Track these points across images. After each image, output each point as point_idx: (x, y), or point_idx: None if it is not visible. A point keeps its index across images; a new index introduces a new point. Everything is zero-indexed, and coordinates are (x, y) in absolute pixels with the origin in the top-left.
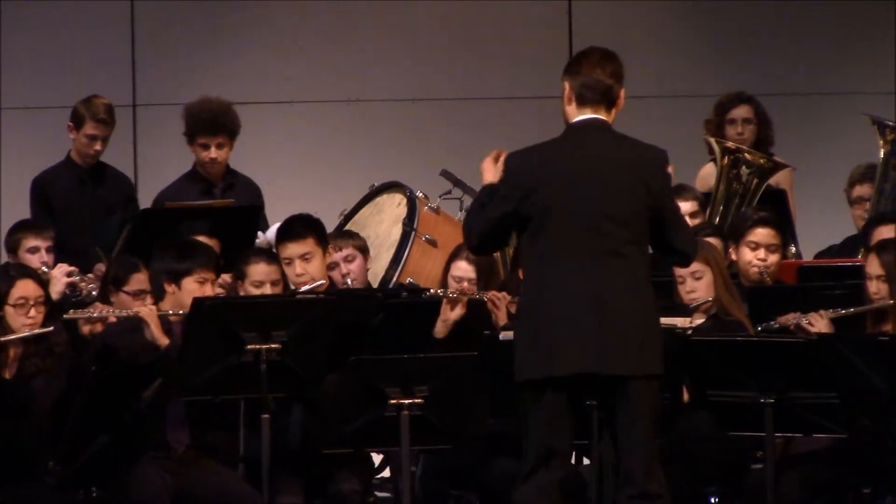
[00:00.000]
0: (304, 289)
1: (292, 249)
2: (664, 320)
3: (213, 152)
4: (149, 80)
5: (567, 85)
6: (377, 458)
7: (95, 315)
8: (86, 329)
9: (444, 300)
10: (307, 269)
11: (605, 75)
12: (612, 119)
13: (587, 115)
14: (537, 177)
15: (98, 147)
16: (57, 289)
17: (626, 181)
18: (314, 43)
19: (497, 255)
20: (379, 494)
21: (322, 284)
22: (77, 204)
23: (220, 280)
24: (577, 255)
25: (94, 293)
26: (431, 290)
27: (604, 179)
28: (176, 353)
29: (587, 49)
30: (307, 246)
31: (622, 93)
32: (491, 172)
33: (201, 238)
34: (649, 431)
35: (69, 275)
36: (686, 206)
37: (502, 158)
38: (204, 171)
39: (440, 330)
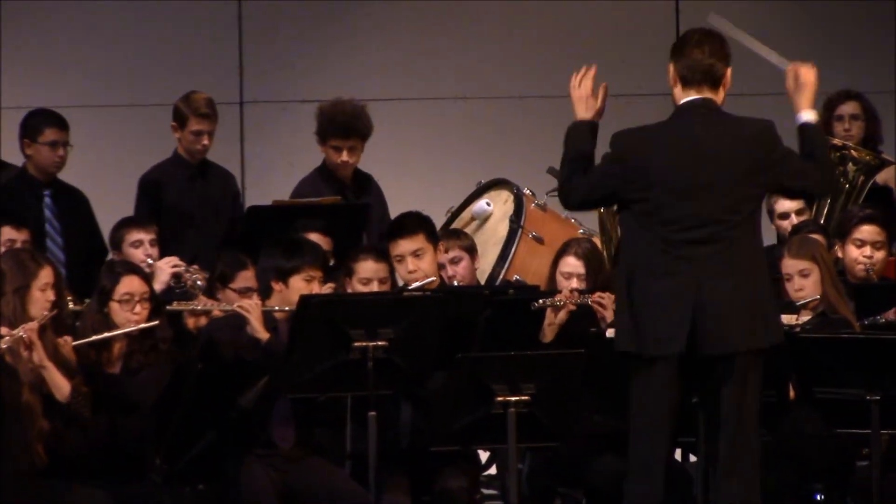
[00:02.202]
0: (414, 286)
1: (403, 246)
2: None
3: (345, 155)
4: (256, 77)
5: (671, 68)
6: (484, 456)
7: (199, 308)
8: (190, 323)
9: (550, 308)
10: (419, 266)
11: (705, 55)
12: (721, 98)
13: (692, 96)
14: (642, 158)
15: (205, 142)
16: (162, 279)
17: (732, 161)
18: (421, 41)
19: (603, 249)
20: (485, 492)
21: (433, 281)
22: (187, 201)
23: (327, 286)
24: (680, 237)
25: (199, 283)
26: (539, 302)
27: (709, 161)
28: (282, 350)
29: (688, 31)
30: (418, 242)
31: (728, 71)
32: (582, 104)
33: (314, 235)
34: (750, 412)
35: (174, 266)
36: (792, 204)
37: (590, 76)
38: (334, 171)
39: (547, 334)
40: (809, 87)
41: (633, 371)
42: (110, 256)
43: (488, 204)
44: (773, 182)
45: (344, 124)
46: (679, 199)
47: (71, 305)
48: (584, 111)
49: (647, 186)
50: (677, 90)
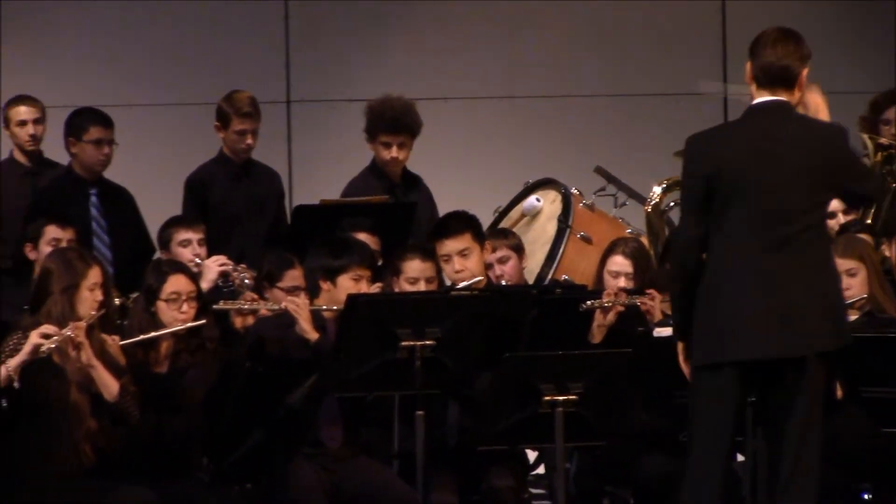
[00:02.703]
0: (461, 285)
1: (450, 246)
2: None
3: (395, 151)
4: (303, 76)
5: (748, 66)
6: (531, 455)
7: (246, 307)
8: (238, 322)
9: (598, 310)
10: (466, 266)
11: (778, 56)
12: (797, 98)
13: (765, 97)
14: (716, 161)
15: (249, 141)
16: (210, 277)
17: (803, 164)
18: (468, 40)
19: (650, 248)
20: (533, 491)
21: (480, 281)
22: (232, 200)
23: (375, 285)
24: (753, 241)
25: (246, 282)
26: (587, 304)
27: (780, 163)
28: (329, 349)
29: (765, 30)
30: (465, 242)
31: (804, 72)
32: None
33: (362, 235)
34: (815, 416)
35: (222, 265)
36: (839, 203)
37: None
38: (384, 169)
39: (596, 336)
40: (822, 109)
41: (698, 375)
42: (157, 255)
43: (538, 200)
44: (838, 186)
45: (393, 120)
46: (750, 201)
47: (117, 301)
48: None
49: (718, 189)
50: (753, 89)
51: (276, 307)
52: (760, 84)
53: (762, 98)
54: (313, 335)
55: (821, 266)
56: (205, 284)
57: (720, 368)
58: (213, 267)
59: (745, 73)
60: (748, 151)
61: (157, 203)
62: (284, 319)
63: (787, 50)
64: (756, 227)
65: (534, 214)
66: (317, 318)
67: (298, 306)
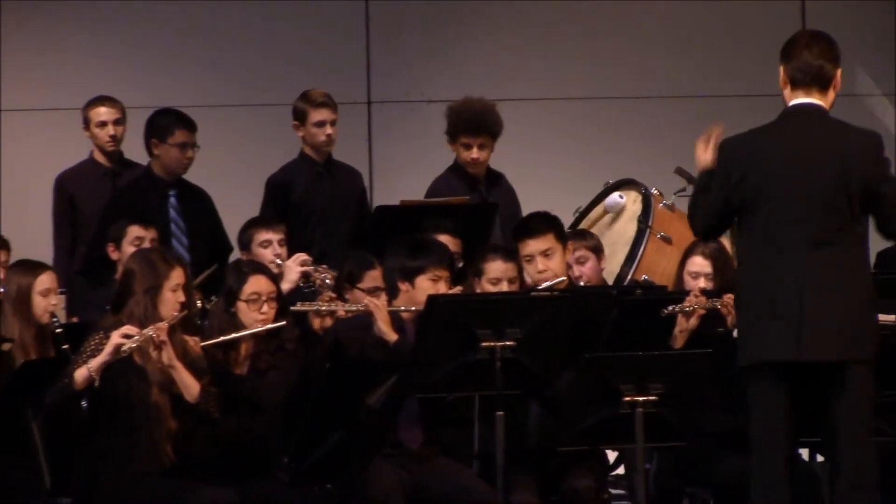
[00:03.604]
0: (543, 285)
1: (533, 246)
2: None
3: (476, 153)
4: (383, 77)
5: (781, 69)
6: (612, 456)
7: (324, 308)
8: (316, 323)
9: (680, 314)
10: (548, 266)
11: (813, 57)
12: (830, 99)
13: (800, 98)
14: (748, 163)
15: (329, 131)
16: (291, 277)
17: (834, 168)
18: (547, 41)
19: (730, 249)
20: (613, 492)
21: (562, 281)
22: (314, 199)
23: (456, 288)
24: (784, 243)
25: (328, 282)
26: (668, 308)
27: (812, 166)
28: (408, 350)
29: (798, 32)
30: (548, 242)
31: (838, 73)
32: (703, 156)
33: (443, 236)
34: (862, 420)
35: (303, 264)
36: None
37: (713, 138)
38: (466, 169)
39: (678, 340)
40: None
41: (746, 377)
42: (238, 256)
43: (621, 196)
44: (864, 194)
45: (474, 121)
46: (783, 204)
47: (199, 304)
48: (705, 162)
49: (752, 192)
50: (787, 91)
51: (353, 308)
52: (796, 85)
53: (798, 99)
54: (392, 336)
55: (854, 270)
56: (286, 285)
57: (761, 369)
58: (294, 267)
59: (779, 77)
60: (778, 156)
61: (236, 204)
62: (363, 321)
63: (821, 50)
64: (783, 231)
65: (617, 212)
66: (395, 319)
67: (377, 307)
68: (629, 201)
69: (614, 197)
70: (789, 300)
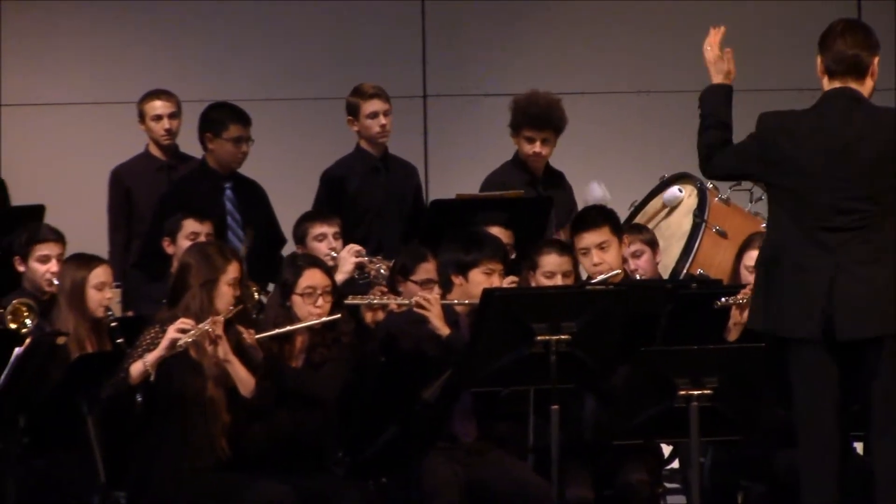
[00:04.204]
0: (598, 278)
1: (588, 239)
2: None
3: (538, 147)
4: (439, 71)
5: (819, 59)
6: (666, 450)
7: (376, 302)
8: (368, 317)
9: (734, 307)
10: (604, 259)
11: (847, 46)
12: (868, 89)
13: (836, 86)
14: (784, 144)
15: (383, 122)
16: (345, 268)
17: (871, 152)
18: (603, 35)
19: None
20: (668, 485)
21: (617, 274)
22: (369, 193)
23: (508, 279)
24: (817, 225)
25: (382, 272)
26: (722, 301)
27: (848, 151)
28: (462, 344)
29: (833, 22)
30: (603, 235)
31: (875, 60)
32: (713, 67)
33: (496, 229)
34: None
35: (357, 255)
36: None
37: (718, 36)
38: (526, 163)
39: (733, 333)
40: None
41: (788, 360)
42: (293, 250)
43: (680, 190)
44: None
45: (538, 115)
46: (817, 185)
47: (255, 295)
48: (716, 75)
49: (786, 172)
50: (824, 81)
51: (405, 303)
52: (832, 75)
53: (834, 86)
54: (445, 330)
55: (888, 250)
56: (340, 275)
57: (798, 349)
58: (349, 258)
59: (817, 67)
60: (816, 137)
61: (291, 198)
62: (416, 314)
63: (856, 39)
64: (821, 211)
65: (674, 206)
66: (449, 312)
67: (429, 302)
68: (685, 195)
69: (673, 191)
70: (822, 279)
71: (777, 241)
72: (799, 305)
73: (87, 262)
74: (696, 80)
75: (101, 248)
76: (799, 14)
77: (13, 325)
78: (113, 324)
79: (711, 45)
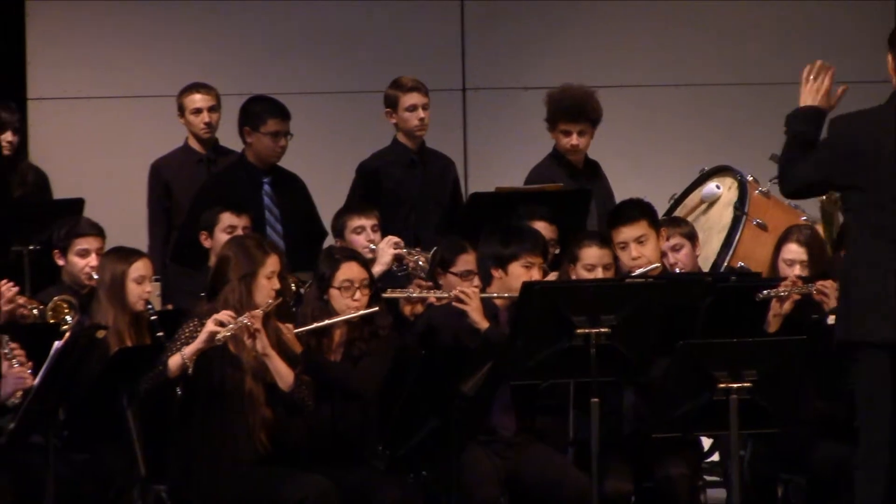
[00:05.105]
0: (637, 272)
1: (626, 233)
2: None
3: (575, 139)
4: (478, 64)
5: (889, 57)
6: (706, 443)
7: (415, 295)
8: (407, 310)
9: (774, 299)
10: (642, 252)
11: None
12: None
13: None
14: (856, 145)
15: (421, 115)
16: (384, 260)
17: None
18: (642, 28)
19: (825, 236)
20: (707, 478)
21: (656, 268)
22: (407, 186)
23: (551, 274)
24: (886, 228)
25: (420, 263)
26: (763, 293)
27: None
28: (501, 338)
29: None
30: (641, 229)
31: None
32: (809, 92)
33: (538, 223)
34: None
35: (396, 246)
36: None
37: (827, 77)
38: (565, 156)
39: (772, 324)
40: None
41: (855, 363)
42: (332, 243)
43: (718, 187)
44: None
45: (574, 108)
46: (890, 186)
47: (293, 288)
48: (811, 99)
49: (858, 173)
50: (895, 79)
51: (444, 296)
52: None
53: None
54: (484, 324)
55: None
56: (379, 267)
57: (869, 353)
58: (387, 249)
59: (888, 65)
60: (885, 139)
61: (331, 191)
62: (455, 307)
63: None
64: (885, 216)
65: (713, 201)
66: (488, 306)
67: (468, 296)
68: (725, 188)
69: (711, 187)
70: (888, 284)
71: (852, 247)
72: (876, 310)
73: (126, 255)
74: (734, 73)
75: (140, 241)
76: (838, 6)
77: (53, 321)
78: (152, 317)
79: (821, 78)
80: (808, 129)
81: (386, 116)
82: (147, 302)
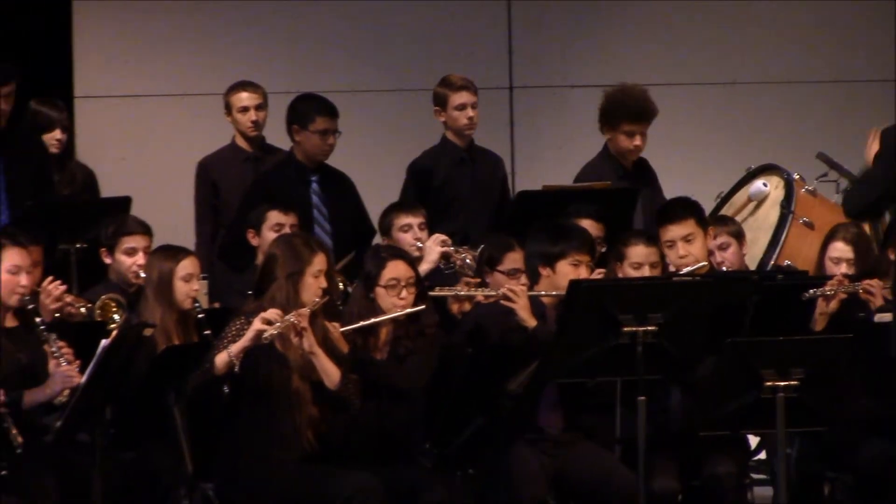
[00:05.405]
0: (684, 271)
1: (674, 231)
2: None
3: (638, 140)
4: (526, 62)
5: None
6: (753, 441)
7: (463, 293)
8: (454, 308)
9: (821, 298)
10: (690, 251)
11: None
12: None
13: None
14: None
15: (470, 114)
16: (431, 258)
17: None
18: (690, 27)
19: (871, 234)
20: (754, 476)
21: (703, 267)
22: (455, 185)
23: (597, 271)
24: None
25: (468, 261)
26: (809, 292)
27: None
28: (548, 336)
29: None
30: (688, 227)
31: None
32: (870, 150)
33: (586, 221)
34: None
35: (443, 244)
36: None
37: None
38: (618, 156)
39: (819, 323)
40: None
41: None
42: (378, 241)
43: (765, 185)
44: None
45: (638, 109)
46: None
47: (341, 286)
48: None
49: None
50: None
51: (492, 294)
52: None
53: None
54: (531, 322)
55: None
56: (426, 265)
57: None
58: (434, 247)
59: None
60: None
61: (379, 189)
62: (503, 306)
63: None
64: None
65: (760, 200)
66: (536, 304)
67: (516, 294)
68: (771, 187)
69: (758, 185)
70: None
71: None
72: None
73: (174, 253)
74: (782, 71)
75: (187, 240)
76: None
77: (101, 320)
78: (199, 315)
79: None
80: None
81: (435, 115)
82: (194, 300)
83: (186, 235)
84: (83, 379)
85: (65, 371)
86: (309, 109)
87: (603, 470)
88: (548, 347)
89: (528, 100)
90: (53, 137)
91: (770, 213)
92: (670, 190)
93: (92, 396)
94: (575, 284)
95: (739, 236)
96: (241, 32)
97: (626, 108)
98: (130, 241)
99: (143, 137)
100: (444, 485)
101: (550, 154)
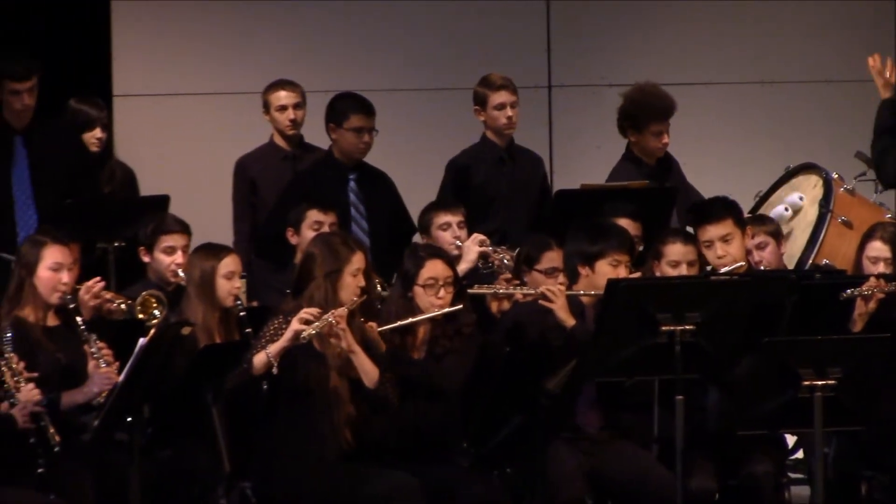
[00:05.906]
0: (722, 270)
1: (712, 231)
2: None
3: (665, 138)
4: (564, 61)
5: None
6: (791, 440)
7: (501, 292)
8: (494, 306)
9: (859, 297)
10: (728, 251)
11: None
12: None
13: None
14: None
15: (510, 114)
16: (469, 257)
17: None
18: (726, 26)
19: None
20: (792, 475)
21: (741, 266)
22: (495, 184)
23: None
24: None
25: (506, 262)
26: (847, 292)
27: None
28: (587, 335)
29: None
30: (727, 227)
31: None
32: (885, 86)
33: (623, 220)
34: None
35: (482, 244)
36: None
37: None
38: (644, 156)
39: (857, 324)
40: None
41: None
42: (417, 240)
43: (801, 198)
44: None
45: (663, 107)
46: None
47: (379, 289)
48: (882, 90)
49: None
50: None
51: (531, 292)
52: None
53: None
54: (570, 321)
55: None
56: (464, 265)
57: None
58: (473, 247)
59: None
60: None
61: (418, 187)
62: (541, 305)
63: None
64: None
65: (796, 210)
66: (574, 303)
67: (554, 293)
68: (809, 186)
69: (794, 198)
70: None
71: None
72: None
73: (216, 251)
74: (820, 71)
75: (225, 238)
76: None
77: (141, 316)
78: (241, 313)
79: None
80: (890, 121)
81: (474, 114)
82: (236, 298)
83: (224, 234)
84: (121, 378)
85: (104, 373)
86: (345, 107)
87: (640, 469)
88: (586, 346)
89: (567, 99)
90: (94, 136)
91: (808, 212)
92: (708, 189)
93: (130, 395)
94: (613, 283)
95: (777, 235)
96: (280, 31)
97: (652, 109)
98: (169, 240)
99: (182, 136)
100: (482, 484)
101: (589, 153)
